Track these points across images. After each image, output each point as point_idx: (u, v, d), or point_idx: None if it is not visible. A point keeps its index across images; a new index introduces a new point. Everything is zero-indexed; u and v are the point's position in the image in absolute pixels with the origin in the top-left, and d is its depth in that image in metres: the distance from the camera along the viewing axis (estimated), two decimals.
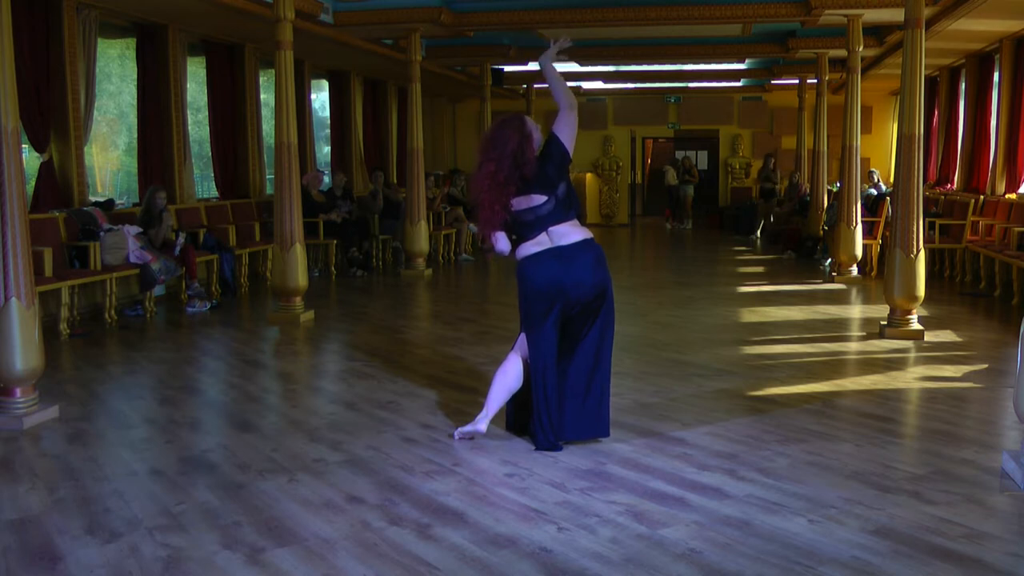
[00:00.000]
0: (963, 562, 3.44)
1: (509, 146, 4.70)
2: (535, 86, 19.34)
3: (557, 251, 4.73)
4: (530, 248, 4.78)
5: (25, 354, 5.34)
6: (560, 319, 4.80)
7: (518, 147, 4.69)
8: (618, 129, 22.45)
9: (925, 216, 9.04)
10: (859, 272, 11.60)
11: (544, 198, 4.72)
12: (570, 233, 4.76)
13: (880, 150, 19.82)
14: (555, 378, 4.76)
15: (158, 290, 9.56)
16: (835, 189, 14.17)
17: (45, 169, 9.27)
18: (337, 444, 4.97)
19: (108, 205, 9.88)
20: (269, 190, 13.01)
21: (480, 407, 5.00)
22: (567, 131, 4.77)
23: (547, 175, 4.71)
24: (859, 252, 11.49)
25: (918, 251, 7.77)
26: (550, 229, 4.75)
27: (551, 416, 4.75)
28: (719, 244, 17.55)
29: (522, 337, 4.90)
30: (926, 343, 7.68)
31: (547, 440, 4.76)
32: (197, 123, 12.88)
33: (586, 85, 21.01)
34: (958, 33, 11.41)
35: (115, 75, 12.45)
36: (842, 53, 12.21)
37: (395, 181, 16.53)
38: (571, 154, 4.80)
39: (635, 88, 21.58)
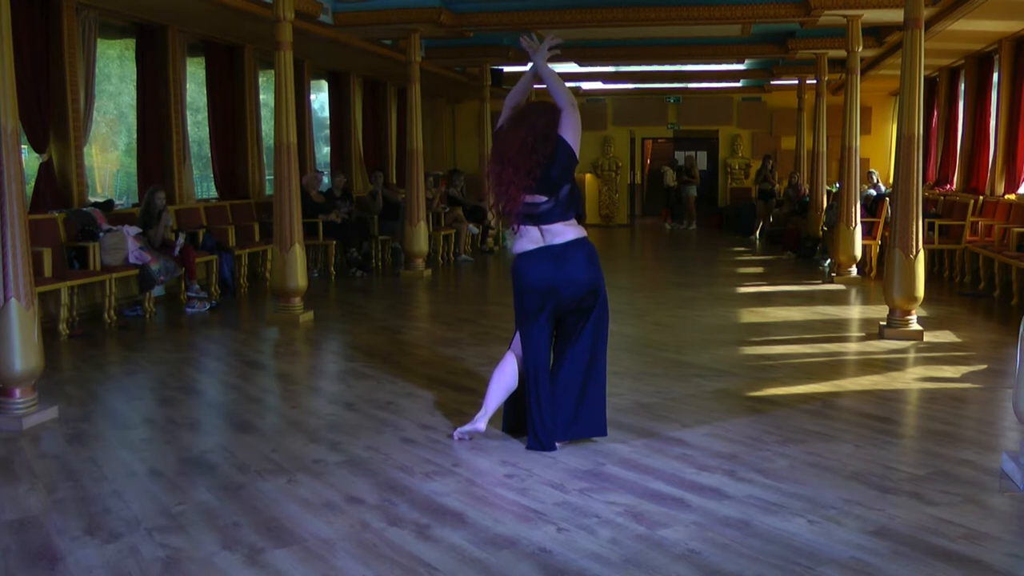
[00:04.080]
0: (963, 563, 3.44)
1: (541, 123, 4.72)
2: (534, 87, 19.30)
3: (550, 249, 4.74)
4: (524, 245, 4.79)
5: (24, 355, 5.33)
6: (553, 317, 4.82)
7: (544, 131, 4.69)
8: (618, 130, 22.45)
9: (924, 217, 9.04)
10: (858, 273, 11.61)
11: (545, 198, 4.73)
12: (564, 232, 4.77)
13: (879, 151, 19.83)
14: (547, 376, 4.77)
15: (157, 291, 9.55)
16: (834, 190, 14.18)
17: (44, 170, 9.27)
18: (336, 445, 4.97)
19: (107, 206, 9.87)
20: (268, 191, 13.01)
21: (479, 407, 5.00)
22: (572, 133, 4.77)
23: (551, 177, 4.70)
24: (858, 253, 11.49)
25: (917, 252, 7.77)
26: (544, 227, 4.76)
27: (543, 415, 4.75)
28: (718, 245, 17.55)
29: (518, 336, 4.91)
30: (925, 344, 7.68)
31: (538, 441, 4.76)
32: (196, 123, 12.88)
33: (586, 86, 21.01)
34: (957, 34, 11.42)
35: (115, 75, 12.46)
36: (841, 54, 12.21)
37: (394, 182, 16.53)
38: (577, 154, 4.81)
39: (635, 89, 21.59)
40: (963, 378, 6.54)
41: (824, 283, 11.59)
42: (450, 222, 14.88)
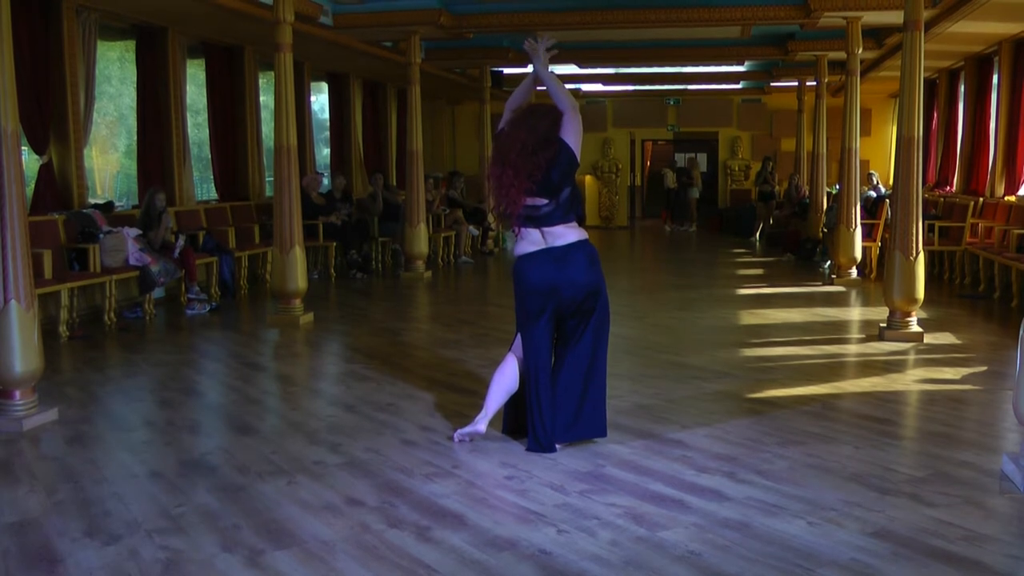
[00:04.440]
0: (963, 564, 3.44)
1: (542, 125, 4.72)
2: (535, 89, 19.32)
3: (551, 251, 4.75)
4: (525, 247, 4.80)
5: (24, 356, 5.33)
6: (554, 319, 4.82)
7: (545, 134, 4.70)
8: (618, 131, 22.46)
9: (924, 218, 9.04)
10: (858, 274, 11.60)
11: (545, 201, 4.74)
12: (565, 234, 4.78)
13: (879, 152, 19.83)
14: (548, 378, 4.77)
15: (157, 292, 9.55)
16: (834, 191, 14.18)
17: (45, 171, 9.27)
18: (336, 446, 4.97)
19: (107, 207, 9.87)
20: (268, 192, 13.01)
21: (479, 409, 5.00)
22: (574, 136, 4.78)
23: (552, 180, 4.71)
24: (858, 254, 11.50)
25: (917, 253, 7.77)
26: (546, 229, 4.76)
27: (543, 417, 4.75)
28: (718, 246, 17.55)
29: (519, 338, 4.91)
30: (925, 345, 7.68)
31: (537, 443, 4.76)
32: (197, 125, 12.88)
33: (586, 87, 21.02)
34: (957, 35, 11.42)
35: (115, 77, 12.45)
36: (841, 55, 12.21)
37: (394, 183, 16.54)
38: (578, 156, 4.81)
39: (635, 90, 21.60)
40: (963, 380, 6.54)
41: (824, 285, 11.59)
42: (450, 224, 14.88)
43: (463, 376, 6.65)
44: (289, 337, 8.42)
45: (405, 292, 11.51)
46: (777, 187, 19.21)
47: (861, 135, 11.80)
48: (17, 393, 5.39)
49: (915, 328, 7.89)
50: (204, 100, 12.40)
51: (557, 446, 4.79)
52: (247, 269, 11.38)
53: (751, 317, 9.31)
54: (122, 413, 5.92)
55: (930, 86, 15.73)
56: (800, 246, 14.71)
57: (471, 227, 15.32)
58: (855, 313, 9.80)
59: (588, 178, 21.69)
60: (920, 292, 7.84)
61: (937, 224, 11.91)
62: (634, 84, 20.66)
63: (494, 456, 4.76)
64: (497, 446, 4.91)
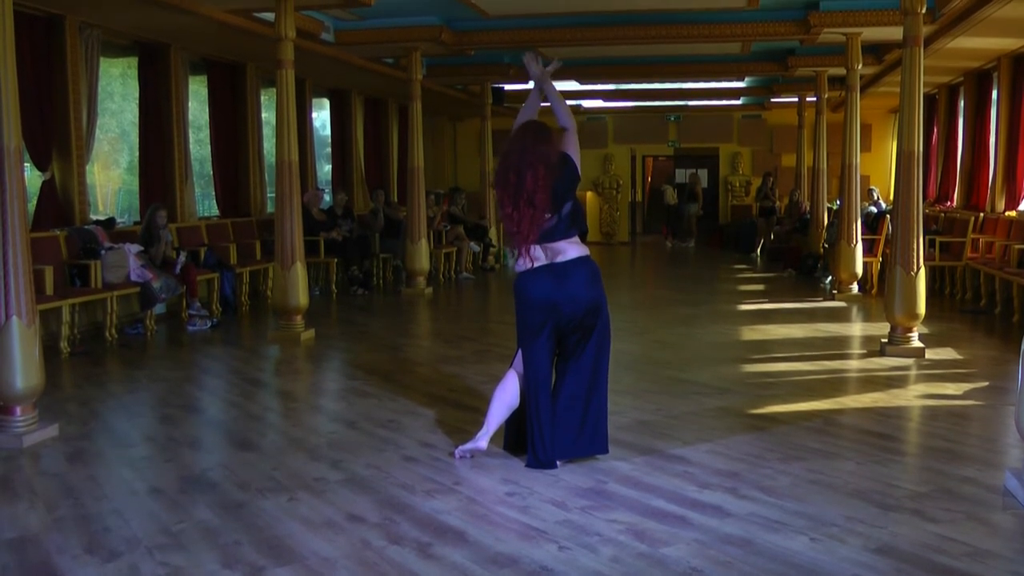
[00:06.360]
0: None
1: (542, 148, 4.70)
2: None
3: (553, 267, 4.75)
4: (527, 263, 4.79)
5: (25, 372, 5.33)
6: (555, 335, 4.81)
7: (549, 159, 4.68)
8: (618, 147, 22.50)
9: (925, 233, 9.05)
10: (859, 290, 11.61)
11: (548, 216, 4.74)
12: (567, 250, 4.78)
13: (880, 168, 19.86)
14: (548, 394, 4.77)
15: (159, 308, 9.56)
16: (835, 207, 14.20)
17: (47, 187, 9.30)
18: (337, 463, 4.96)
19: (109, 223, 9.88)
20: (270, 208, 13.03)
21: (480, 426, 5.00)
22: (575, 151, 4.82)
23: (555, 195, 4.71)
24: (859, 270, 11.50)
25: (918, 269, 7.78)
26: (548, 245, 4.76)
27: (543, 433, 4.74)
28: (719, 262, 17.56)
29: (520, 354, 4.91)
30: (927, 361, 7.67)
31: (537, 460, 4.75)
32: (198, 142, 12.92)
33: (586, 104, 21.07)
34: (957, 51, 11.46)
35: (117, 94, 12.50)
36: (841, 71, 12.26)
37: (396, 199, 16.57)
38: (579, 171, 4.83)
39: (635, 106, 21.64)
40: (965, 395, 6.53)
41: (825, 300, 11.58)
42: (451, 240, 14.90)
43: (464, 392, 6.64)
44: (290, 353, 8.41)
45: (406, 308, 11.51)
46: (778, 203, 19.24)
47: (861, 150, 11.83)
48: (18, 409, 5.39)
49: (916, 343, 7.88)
50: (206, 116, 12.44)
51: (558, 462, 4.78)
52: (248, 285, 11.40)
53: (752, 333, 9.30)
54: (123, 429, 5.91)
55: (930, 101, 15.77)
56: (801, 262, 14.72)
57: (472, 243, 15.34)
58: (856, 328, 9.79)
59: (589, 194, 21.73)
60: (921, 307, 7.84)
61: (938, 239, 11.92)
62: (635, 100, 20.69)
63: (495, 472, 4.75)
64: (498, 462, 4.90)
